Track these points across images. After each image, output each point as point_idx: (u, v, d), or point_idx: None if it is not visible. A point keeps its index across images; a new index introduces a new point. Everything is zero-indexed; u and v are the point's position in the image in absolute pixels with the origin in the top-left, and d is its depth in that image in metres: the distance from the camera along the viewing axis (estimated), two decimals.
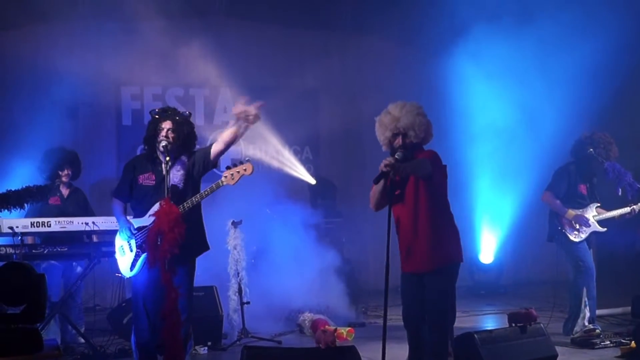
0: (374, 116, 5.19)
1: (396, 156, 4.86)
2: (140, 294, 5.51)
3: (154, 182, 5.56)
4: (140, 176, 5.62)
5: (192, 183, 5.60)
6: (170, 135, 5.52)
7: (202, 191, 5.50)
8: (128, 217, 5.72)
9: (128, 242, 5.62)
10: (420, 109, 5.06)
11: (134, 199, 5.69)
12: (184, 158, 5.62)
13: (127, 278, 5.86)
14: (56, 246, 6.80)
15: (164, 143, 5.45)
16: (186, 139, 5.61)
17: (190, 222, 5.43)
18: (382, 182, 4.90)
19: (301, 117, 10.77)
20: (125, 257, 5.64)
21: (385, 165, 4.71)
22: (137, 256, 5.56)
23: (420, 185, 4.95)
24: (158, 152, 5.57)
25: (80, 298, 7.56)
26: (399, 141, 5.00)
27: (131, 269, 5.58)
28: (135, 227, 5.59)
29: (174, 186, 5.48)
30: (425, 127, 5.03)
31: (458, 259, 5.05)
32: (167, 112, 5.64)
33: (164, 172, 5.44)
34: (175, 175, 5.53)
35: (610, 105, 9.90)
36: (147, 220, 5.48)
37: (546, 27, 9.75)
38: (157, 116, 5.62)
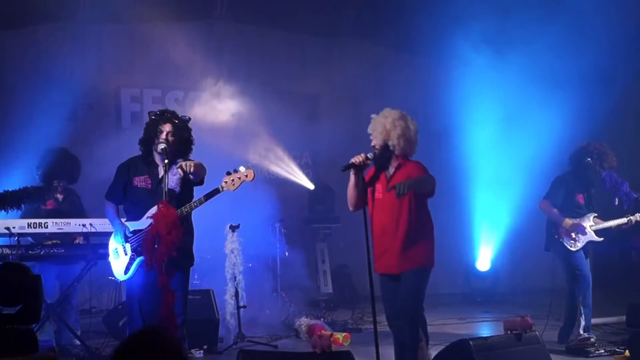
0: None
1: (368, 155, 5.14)
2: (136, 297, 5.49)
3: (150, 186, 5.53)
4: (136, 178, 5.58)
5: (187, 187, 5.58)
6: (170, 138, 5.49)
7: (201, 196, 5.45)
8: (122, 220, 5.69)
9: (123, 245, 5.59)
10: (398, 118, 5.20)
11: (128, 201, 5.64)
12: (180, 162, 5.56)
13: (122, 281, 5.84)
14: (53, 247, 6.80)
15: (163, 145, 5.42)
16: (184, 143, 5.59)
17: (183, 228, 5.40)
18: (354, 180, 5.21)
19: (301, 122, 10.77)
20: (120, 260, 5.62)
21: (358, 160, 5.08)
22: (131, 259, 5.53)
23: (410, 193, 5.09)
24: (155, 154, 5.54)
25: (76, 300, 7.55)
26: (373, 143, 5.29)
27: (125, 273, 5.56)
28: (130, 230, 5.56)
29: (171, 190, 5.44)
30: (402, 136, 5.17)
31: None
32: (165, 115, 5.60)
33: (162, 174, 5.41)
34: (172, 179, 5.49)
35: (611, 112, 9.91)
36: (142, 223, 5.46)
37: (548, 34, 9.77)
38: (155, 118, 5.58)
